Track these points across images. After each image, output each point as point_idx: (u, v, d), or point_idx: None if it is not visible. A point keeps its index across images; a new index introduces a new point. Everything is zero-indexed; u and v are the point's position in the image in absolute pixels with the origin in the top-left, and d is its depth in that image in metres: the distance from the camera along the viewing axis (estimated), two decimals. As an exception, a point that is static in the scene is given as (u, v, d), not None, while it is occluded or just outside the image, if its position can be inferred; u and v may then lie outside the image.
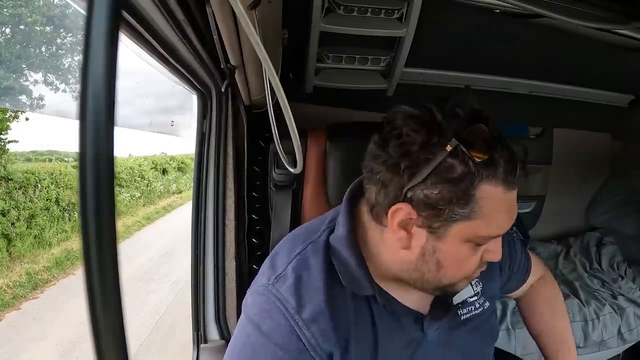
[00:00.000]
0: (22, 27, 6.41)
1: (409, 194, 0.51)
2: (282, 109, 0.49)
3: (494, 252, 0.58)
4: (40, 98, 6.67)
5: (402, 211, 0.52)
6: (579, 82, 1.39)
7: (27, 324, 4.10)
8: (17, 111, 5.84)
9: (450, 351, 0.67)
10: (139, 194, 8.43)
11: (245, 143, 1.14)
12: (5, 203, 5.09)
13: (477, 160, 0.49)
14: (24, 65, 6.51)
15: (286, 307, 0.57)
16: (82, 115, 0.19)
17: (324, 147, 1.02)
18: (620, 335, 1.49)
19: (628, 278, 1.73)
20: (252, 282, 0.65)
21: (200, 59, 0.84)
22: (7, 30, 6.45)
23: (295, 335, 0.56)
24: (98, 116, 0.19)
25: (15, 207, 5.23)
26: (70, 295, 4.58)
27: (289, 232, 0.84)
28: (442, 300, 0.65)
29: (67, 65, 7.14)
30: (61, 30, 6.83)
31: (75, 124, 0.19)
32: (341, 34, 0.97)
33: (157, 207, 8.87)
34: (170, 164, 10.59)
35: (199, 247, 1.09)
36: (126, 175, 8.09)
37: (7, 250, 5.06)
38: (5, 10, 6.36)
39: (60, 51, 7.05)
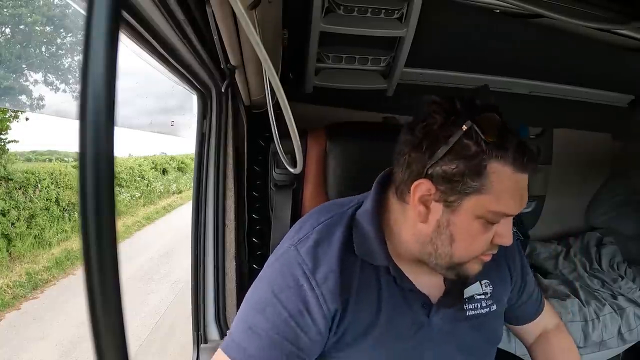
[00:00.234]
0: (22, 27, 6.42)
1: (430, 171, 0.59)
2: (282, 109, 0.49)
3: (504, 236, 0.61)
4: (40, 98, 6.68)
5: (422, 186, 0.59)
6: (579, 82, 1.38)
7: (27, 324, 4.10)
8: (17, 111, 5.84)
9: (451, 343, 0.69)
10: (139, 194, 8.43)
11: (245, 143, 1.15)
12: (5, 203, 5.08)
13: (489, 141, 0.56)
14: (24, 65, 6.51)
15: (302, 268, 0.63)
16: (82, 115, 0.19)
17: (324, 146, 1.02)
18: (620, 335, 1.49)
19: (628, 278, 1.73)
20: (279, 244, 0.71)
21: (200, 59, 0.84)
22: (7, 30, 6.46)
23: (302, 297, 0.62)
24: (98, 116, 0.19)
25: (15, 207, 5.22)
26: (70, 295, 4.58)
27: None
28: (456, 290, 0.68)
29: (67, 65, 7.15)
30: (61, 30, 6.83)
31: (75, 124, 0.19)
32: (341, 34, 0.97)
33: (157, 207, 8.87)
34: (170, 164, 10.59)
35: (199, 247, 1.09)
36: (126, 175, 8.09)
37: (7, 250, 5.05)
38: (5, 10, 6.36)
39: (60, 51, 7.05)
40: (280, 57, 0.86)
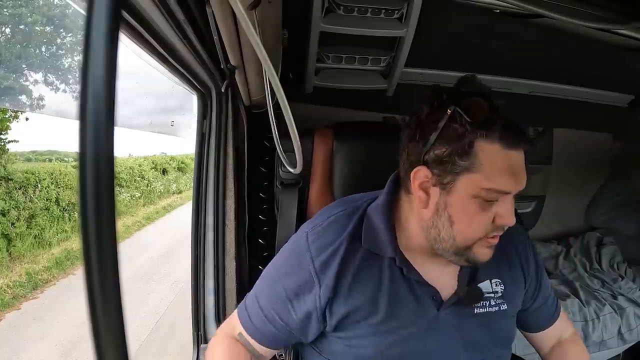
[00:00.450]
0: (22, 27, 6.41)
1: (425, 157, 0.62)
2: (282, 109, 0.49)
3: (504, 215, 0.62)
4: (40, 98, 6.67)
5: (420, 172, 0.63)
6: (579, 82, 1.38)
7: (27, 324, 4.10)
8: (17, 111, 5.84)
9: (457, 338, 0.69)
10: (139, 194, 8.43)
11: (246, 143, 1.14)
12: (5, 203, 5.09)
13: (473, 121, 0.59)
14: (24, 65, 6.51)
15: (308, 254, 0.68)
16: (82, 115, 0.19)
17: (331, 146, 1.02)
18: (620, 335, 1.50)
19: (628, 278, 1.74)
20: (298, 230, 0.76)
21: (200, 59, 0.84)
22: (7, 30, 6.45)
23: (302, 280, 0.67)
24: (98, 116, 0.19)
25: (15, 207, 5.22)
26: (70, 295, 4.58)
27: (295, 231, 0.85)
28: (472, 290, 0.70)
29: (67, 65, 7.14)
30: (61, 30, 6.83)
31: (75, 124, 0.19)
32: (341, 34, 0.97)
33: (157, 207, 8.87)
34: (170, 164, 10.59)
35: (199, 247, 1.09)
36: (126, 175, 8.09)
37: (7, 250, 5.05)
38: (5, 10, 6.36)
39: (60, 51, 7.05)
40: (280, 57, 0.86)
